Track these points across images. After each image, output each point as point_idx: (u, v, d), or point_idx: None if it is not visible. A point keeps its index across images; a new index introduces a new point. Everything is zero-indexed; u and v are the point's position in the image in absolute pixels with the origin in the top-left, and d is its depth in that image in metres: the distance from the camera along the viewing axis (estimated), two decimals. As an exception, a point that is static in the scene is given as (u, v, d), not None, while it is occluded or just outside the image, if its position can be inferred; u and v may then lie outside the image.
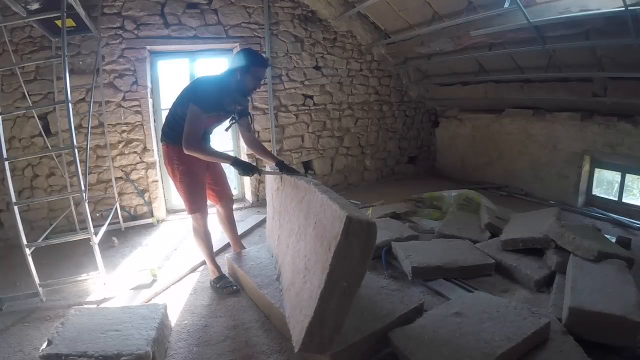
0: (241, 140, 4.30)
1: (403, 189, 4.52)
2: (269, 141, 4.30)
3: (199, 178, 2.33)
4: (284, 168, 2.29)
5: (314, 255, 1.58)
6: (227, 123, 2.39)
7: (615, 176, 3.73)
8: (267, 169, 2.59)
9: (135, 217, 3.84)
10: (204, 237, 2.41)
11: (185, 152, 2.11)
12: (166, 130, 2.30)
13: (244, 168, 2.13)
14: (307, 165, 4.68)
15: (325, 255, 1.43)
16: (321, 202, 1.65)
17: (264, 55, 2.29)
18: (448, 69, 4.55)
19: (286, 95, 4.36)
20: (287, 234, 2.11)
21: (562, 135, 3.87)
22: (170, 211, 4.11)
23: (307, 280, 1.59)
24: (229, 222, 2.63)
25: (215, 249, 2.66)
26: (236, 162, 2.15)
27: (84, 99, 3.50)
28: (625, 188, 3.60)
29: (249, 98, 2.38)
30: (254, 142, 2.53)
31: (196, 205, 2.32)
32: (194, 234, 2.41)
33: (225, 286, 2.39)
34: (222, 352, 1.82)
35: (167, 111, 2.36)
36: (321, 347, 1.49)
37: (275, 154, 4.30)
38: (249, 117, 2.44)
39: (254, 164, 2.24)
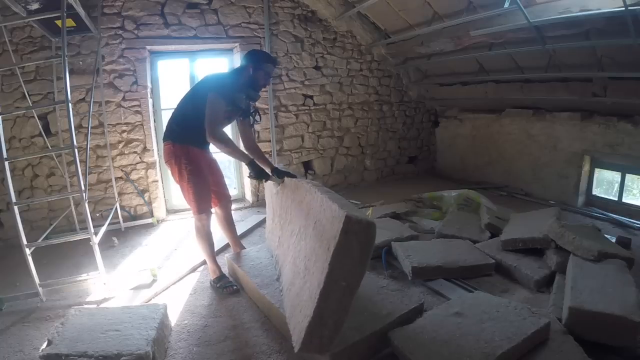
0: (240, 139, 4.32)
1: (403, 189, 4.52)
2: (269, 141, 4.30)
3: (205, 178, 2.33)
4: (280, 174, 2.32)
5: (313, 256, 1.58)
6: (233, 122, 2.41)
7: (615, 176, 3.73)
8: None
9: (135, 217, 3.84)
10: (206, 237, 2.41)
11: (209, 139, 2.15)
12: (174, 129, 2.29)
13: (258, 172, 2.16)
14: (307, 165, 4.68)
15: (324, 255, 1.43)
16: (321, 202, 1.64)
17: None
18: (448, 69, 4.55)
19: (286, 95, 4.36)
20: (288, 235, 2.11)
21: (562, 135, 3.87)
22: (170, 211, 4.11)
23: (307, 281, 1.59)
24: (228, 223, 2.63)
25: (215, 249, 2.65)
26: (252, 164, 2.17)
27: (84, 99, 3.50)
28: (625, 188, 3.60)
29: (259, 95, 2.41)
30: (252, 144, 2.53)
31: (203, 206, 2.32)
32: (196, 233, 2.41)
33: (226, 286, 2.39)
34: (222, 352, 1.82)
35: (167, 111, 2.38)
36: (321, 347, 1.48)
37: (275, 154, 4.31)
38: (252, 117, 2.44)
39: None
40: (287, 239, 2.12)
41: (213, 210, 2.51)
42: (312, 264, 1.58)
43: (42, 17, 2.45)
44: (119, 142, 3.69)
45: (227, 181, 2.66)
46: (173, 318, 2.12)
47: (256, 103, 2.47)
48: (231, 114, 2.34)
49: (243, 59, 2.35)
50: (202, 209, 2.31)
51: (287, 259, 2.03)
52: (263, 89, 2.48)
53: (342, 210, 1.39)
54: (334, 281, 1.39)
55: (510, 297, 2.14)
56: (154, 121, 3.89)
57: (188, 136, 2.25)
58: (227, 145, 2.17)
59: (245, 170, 4.28)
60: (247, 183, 4.41)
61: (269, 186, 2.62)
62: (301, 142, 4.55)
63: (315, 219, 1.66)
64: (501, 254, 2.50)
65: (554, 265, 2.25)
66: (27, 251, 2.26)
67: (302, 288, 1.63)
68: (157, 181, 3.86)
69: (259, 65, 2.26)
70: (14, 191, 2.30)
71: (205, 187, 2.32)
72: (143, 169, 3.80)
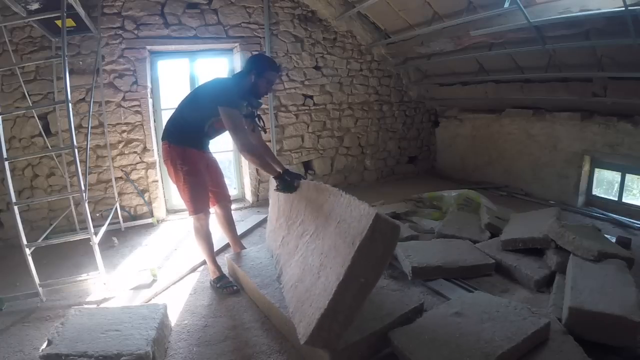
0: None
1: (403, 189, 4.53)
2: (269, 141, 4.30)
3: (202, 178, 2.32)
4: (292, 176, 2.29)
5: (333, 252, 1.61)
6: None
7: (615, 176, 3.73)
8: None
9: (135, 217, 3.84)
10: (205, 237, 2.41)
11: (242, 154, 2.15)
12: (171, 130, 2.29)
13: (286, 184, 2.14)
14: (307, 165, 4.68)
15: (347, 250, 1.47)
16: (348, 202, 1.68)
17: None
18: (448, 69, 4.55)
19: (286, 95, 4.36)
20: (298, 235, 2.11)
21: (562, 135, 3.87)
22: (170, 211, 4.11)
23: (321, 276, 1.61)
24: (228, 223, 2.63)
25: (215, 249, 2.66)
26: (281, 177, 2.14)
27: (84, 99, 3.50)
28: (625, 188, 3.60)
29: (261, 102, 2.41)
30: (263, 146, 2.53)
31: (199, 206, 2.32)
32: (195, 234, 2.41)
33: (226, 286, 2.39)
34: (222, 352, 1.82)
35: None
36: (328, 342, 1.50)
37: (275, 155, 4.31)
38: (256, 120, 2.44)
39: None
40: (296, 238, 2.12)
41: (213, 210, 2.51)
42: (330, 259, 1.60)
43: (42, 17, 2.45)
44: (119, 142, 3.69)
45: (227, 181, 2.65)
46: (173, 318, 2.12)
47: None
48: None
49: (246, 64, 2.31)
50: (197, 209, 2.31)
51: (294, 258, 2.03)
52: (265, 96, 2.46)
53: (372, 209, 1.45)
54: (353, 276, 1.42)
55: (510, 297, 2.14)
56: (154, 121, 3.89)
57: (185, 137, 2.25)
58: (259, 159, 2.16)
59: (246, 170, 4.33)
60: (247, 183, 4.41)
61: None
62: (301, 142, 4.55)
63: (338, 218, 1.69)
64: (501, 254, 2.50)
65: (554, 265, 2.24)
66: (27, 251, 2.26)
67: (314, 284, 1.64)
68: (157, 181, 3.86)
69: (262, 73, 2.22)
70: (14, 191, 2.30)
71: (201, 188, 2.31)
72: (143, 169, 3.80)
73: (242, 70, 2.34)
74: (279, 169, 2.25)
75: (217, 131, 2.37)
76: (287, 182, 2.16)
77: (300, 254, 1.97)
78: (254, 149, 2.16)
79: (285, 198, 2.44)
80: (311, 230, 1.96)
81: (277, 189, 2.22)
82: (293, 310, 1.74)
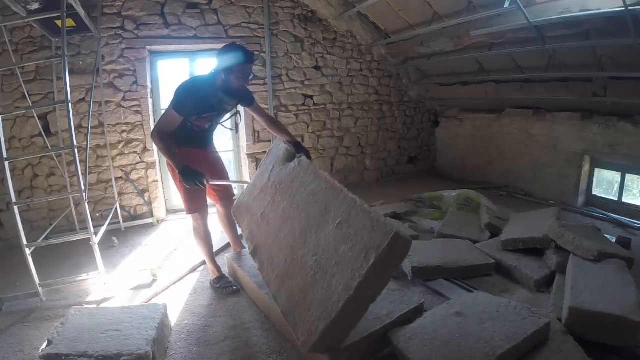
0: (242, 140, 4.33)
1: (403, 189, 4.52)
2: (269, 141, 4.30)
3: None
4: (300, 149, 2.24)
5: (334, 256, 1.57)
6: (225, 123, 2.42)
7: (615, 176, 3.73)
8: (281, 145, 2.41)
9: (135, 217, 3.84)
10: (204, 237, 2.41)
11: (151, 138, 2.18)
12: None
13: (189, 178, 2.05)
14: (307, 165, 4.68)
15: (357, 262, 1.44)
16: (351, 204, 1.62)
17: (248, 50, 2.19)
18: (448, 69, 4.55)
19: (286, 95, 4.36)
20: (281, 217, 1.97)
21: (562, 135, 3.87)
22: (170, 211, 4.11)
23: (319, 280, 1.58)
24: (229, 222, 2.62)
25: (215, 249, 2.66)
26: (183, 171, 2.05)
27: (84, 99, 3.50)
28: (625, 188, 3.60)
29: (246, 88, 2.34)
30: (270, 120, 2.53)
31: (195, 206, 2.32)
32: (194, 233, 2.41)
33: (225, 286, 2.39)
34: (222, 352, 1.82)
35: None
36: (330, 347, 1.51)
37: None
38: (254, 102, 2.42)
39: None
40: (280, 220, 1.97)
41: (215, 208, 2.50)
42: (331, 264, 1.57)
43: (42, 17, 2.45)
44: (119, 142, 3.69)
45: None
46: (173, 318, 2.12)
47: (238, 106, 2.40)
48: (212, 117, 2.29)
49: (218, 56, 2.17)
50: (192, 209, 2.32)
51: (275, 242, 1.92)
52: (260, 90, 2.41)
53: (389, 224, 1.43)
54: (363, 289, 1.41)
55: (510, 297, 2.14)
56: (154, 121, 3.89)
57: (180, 137, 2.22)
58: (164, 148, 2.09)
59: (246, 170, 4.33)
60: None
61: (275, 155, 2.39)
62: (301, 142, 4.54)
63: (339, 218, 1.64)
64: (501, 254, 2.50)
65: (554, 265, 2.24)
66: (27, 251, 2.26)
67: (311, 285, 1.61)
68: (157, 181, 3.86)
69: (229, 69, 2.11)
70: (14, 191, 2.30)
71: (197, 188, 2.28)
72: (143, 169, 3.80)
73: (216, 66, 2.20)
74: (185, 163, 2.08)
75: (205, 127, 2.33)
76: (190, 176, 2.05)
77: (285, 242, 1.86)
78: (161, 138, 2.08)
79: (279, 168, 2.25)
80: (302, 220, 1.84)
81: (184, 183, 2.09)
82: (285, 308, 1.70)
